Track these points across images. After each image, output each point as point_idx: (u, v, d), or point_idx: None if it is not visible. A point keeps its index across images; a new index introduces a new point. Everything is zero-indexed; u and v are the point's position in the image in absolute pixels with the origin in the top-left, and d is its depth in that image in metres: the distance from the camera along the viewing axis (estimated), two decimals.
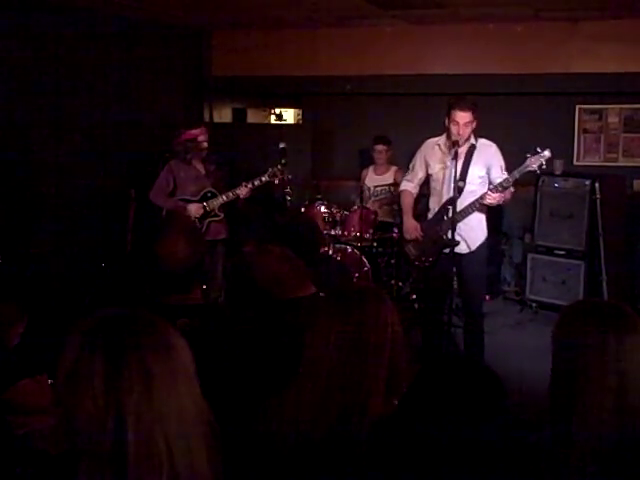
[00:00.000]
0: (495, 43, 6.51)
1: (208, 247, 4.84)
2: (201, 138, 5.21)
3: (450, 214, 4.40)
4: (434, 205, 4.71)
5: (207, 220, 5.22)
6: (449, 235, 4.37)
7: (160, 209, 5.31)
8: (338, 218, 5.96)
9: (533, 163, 4.38)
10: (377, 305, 1.73)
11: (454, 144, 4.37)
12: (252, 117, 8.40)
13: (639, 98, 6.38)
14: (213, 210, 5.23)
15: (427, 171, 4.69)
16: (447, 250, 4.45)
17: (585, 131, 6.75)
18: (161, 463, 1.17)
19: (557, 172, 6.13)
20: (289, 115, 9.22)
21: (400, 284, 6.03)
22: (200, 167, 5.30)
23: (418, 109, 6.92)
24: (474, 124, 4.44)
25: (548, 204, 6.21)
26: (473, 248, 4.60)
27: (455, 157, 4.37)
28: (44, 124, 5.56)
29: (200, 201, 5.22)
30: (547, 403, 1.63)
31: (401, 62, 6.81)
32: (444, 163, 4.54)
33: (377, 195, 6.40)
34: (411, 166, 4.84)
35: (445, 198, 4.53)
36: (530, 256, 6.35)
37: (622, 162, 6.64)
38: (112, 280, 5.74)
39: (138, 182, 6.17)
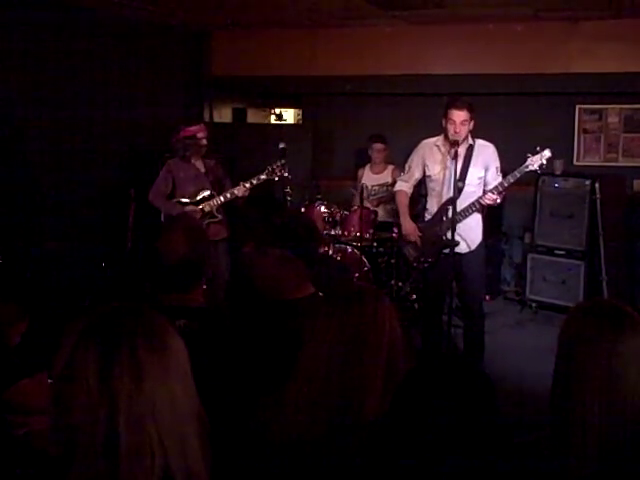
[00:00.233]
0: (495, 43, 6.51)
1: (208, 246, 4.82)
2: (200, 135, 5.18)
3: (449, 215, 4.40)
4: (432, 206, 4.71)
5: (205, 222, 5.20)
6: (449, 235, 4.37)
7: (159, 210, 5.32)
8: (338, 218, 5.96)
9: (534, 163, 4.39)
10: (375, 305, 1.73)
11: (453, 144, 4.37)
12: (252, 117, 8.40)
13: (639, 98, 6.38)
14: (211, 211, 5.22)
15: (424, 172, 4.69)
16: (447, 250, 4.45)
17: (585, 131, 6.75)
18: (153, 454, 1.18)
19: (557, 172, 6.13)
20: (289, 115, 9.23)
21: (400, 284, 6.02)
22: (200, 165, 5.28)
23: (418, 109, 6.92)
24: (471, 124, 4.44)
25: (548, 204, 6.21)
26: (473, 247, 4.60)
27: (455, 157, 4.37)
28: (44, 124, 5.56)
29: (198, 203, 5.22)
30: (547, 403, 1.63)
31: (401, 62, 6.81)
32: (444, 164, 4.53)
33: (375, 194, 6.40)
34: (407, 166, 4.83)
35: (445, 199, 4.53)
36: (530, 256, 6.35)
37: (622, 162, 6.64)
38: (112, 280, 5.74)
39: (138, 182, 6.16)
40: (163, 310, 1.38)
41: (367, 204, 6.18)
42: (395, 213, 6.23)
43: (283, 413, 1.67)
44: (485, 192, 4.48)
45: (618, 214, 6.16)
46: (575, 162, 6.73)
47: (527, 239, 6.65)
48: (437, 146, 4.59)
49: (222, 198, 5.19)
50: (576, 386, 1.56)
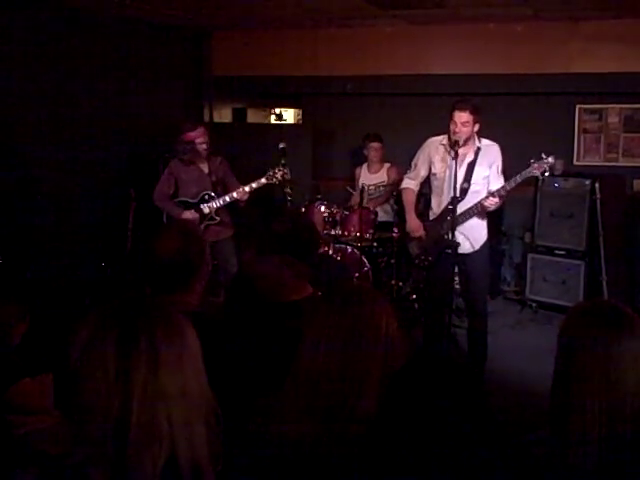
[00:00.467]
0: (495, 43, 6.51)
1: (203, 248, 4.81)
2: (199, 140, 5.16)
3: (454, 212, 4.40)
4: (436, 204, 4.73)
5: (204, 223, 5.21)
6: (450, 235, 4.38)
7: (161, 211, 5.32)
8: (338, 218, 5.96)
9: (536, 169, 4.37)
10: (372, 304, 1.72)
11: (454, 144, 4.38)
12: (252, 117, 8.41)
13: (639, 98, 6.38)
14: (210, 214, 5.22)
15: (430, 169, 4.70)
16: (450, 250, 4.46)
17: (585, 131, 6.75)
18: (161, 437, 1.24)
19: (557, 172, 6.12)
20: (289, 115, 9.23)
21: (400, 284, 6.03)
22: (203, 166, 5.27)
23: (418, 109, 6.93)
24: (475, 127, 4.44)
25: (548, 204, 6.21)
26: (477, 247, 4.62)
27: (455, 157, 4.38)
28: (44, 124, 5.56)
29: (198, 204, 5.22)
30: (547, 403, 1.63)
31: (401, 62, 6.81)
32: (446, 162, 4.56)
33: (371, 194, 6.41)
34: (413, 164, 4.84)
35: (447, 197, 4.53)
36: (530, 256, 6.35)
37: (622, 162, 6.64)
38: (112, 280, 5.74)
39: (138, 182, 6.17)
40: None
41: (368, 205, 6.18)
42: (392, 212, 6.26)
43: (280, 413, 1.67)
44: (488, 193, 4.47)
45: (618, 214, 6.16)
46: (575, 162, 6.72)
47: (527, 239, 6.65)
48: (443, 145, 4.60)
49: (221, 201, 5.19)
50: (576, 387, 1.56)
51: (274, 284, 2.20)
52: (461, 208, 4.47)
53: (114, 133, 6.19)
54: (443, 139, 4.62)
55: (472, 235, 4.59)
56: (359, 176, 6.60)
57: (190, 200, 5.25)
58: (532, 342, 5.25)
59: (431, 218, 4.77)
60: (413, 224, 4.79)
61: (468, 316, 4.87)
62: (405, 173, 5.00)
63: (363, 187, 6.09)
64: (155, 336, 1.28)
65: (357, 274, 5.68)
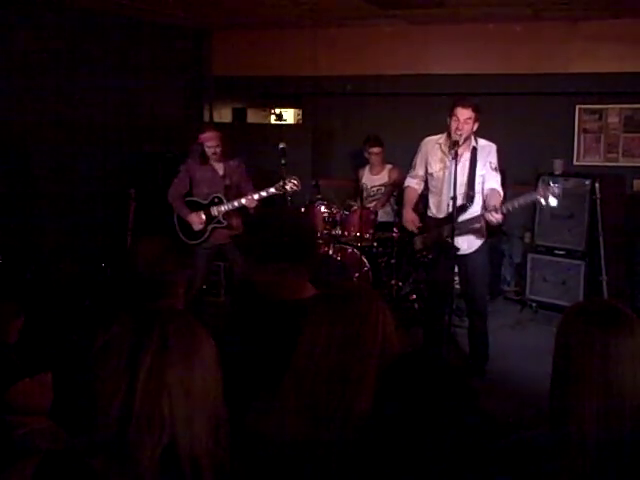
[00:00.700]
0: (495, 43, 6.51)
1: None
2: (209, 144, 5.13)
3: (457, 218, 4.41)
4: (433, 204, 4.73)
5: (211, 226, 5.22)
6: (449, 239, 4.39)
7: (165, 209, 5.33)
8: (338, 218, 5.96)
9: (541, 196, 4.31)
10: (368, 304, 1.72)
11: (454, 144, 4.37)
12: (252, 117, 8.40)
13: (639, 98, 6.37)
14: (217, 217, 5.22)
15: (427, 169, 4.70)
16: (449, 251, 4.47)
17: (585, 131, 6.75)
18: (162, 428, 1.29)
19: (557, 172, 6.12)
20: (289, 115, 9.22)
21: (400, 284, 6.02)
22: (219, 167, 5.26)
23: (418, 109, 6.92)
24: (475, 125, 4.44)
25: None
26: (475, 248, 4.62)
27: (455, 157, 4.37)
28: (44, 124, 5.56)
29: (208, 205, 5.22)
30: (547, 403, 1.63)
31: (401, 62, 6.81)
32: (444, 163, 4.55)
33: (373, 195, 6.41)
34: (413, 164, 4.86)
35: (446, 197, 4.52)
36: (530, 256, 6.35)
37: (622, 162, 6.63)
38: (112, 280, 5.74)
39: (138, 182, 6.17)
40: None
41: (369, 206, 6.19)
42: (392, 212, 6.27)
43: (277, 412, 1.67)
44: (492, 207, 4.43)
45: (618, 214, 6.15)
46: (575, 162, 6.72)
47: (527, 239, 6.65)
48: (439, 144, 4.60)
49: (229, 206, 5.19)
50: (574, 387, 1.56)
51: (275, 287, 2.22)
52: (465, 215, 4.49)
53: (114, 133, 6.19)
54: (440, 138, 4.61)
55: (469, 237, 4.62)
56: (362, 178, 6.60)
57: (201, 201, 5.26)
58: (532, 342, 5.24)
59: (429, 216, 4.78)
60: (407, 216, 4.80)
61: (468, 316, 4.88)
62: (407, 174, 5.01)
63: (363, 187, 6.08)
64: (168, 330, 1.35)
65: (357, 274, 5.69)
